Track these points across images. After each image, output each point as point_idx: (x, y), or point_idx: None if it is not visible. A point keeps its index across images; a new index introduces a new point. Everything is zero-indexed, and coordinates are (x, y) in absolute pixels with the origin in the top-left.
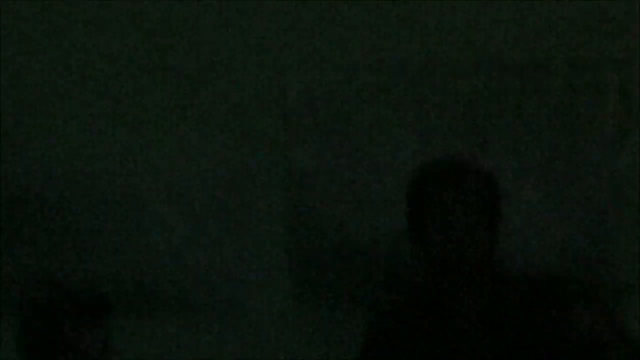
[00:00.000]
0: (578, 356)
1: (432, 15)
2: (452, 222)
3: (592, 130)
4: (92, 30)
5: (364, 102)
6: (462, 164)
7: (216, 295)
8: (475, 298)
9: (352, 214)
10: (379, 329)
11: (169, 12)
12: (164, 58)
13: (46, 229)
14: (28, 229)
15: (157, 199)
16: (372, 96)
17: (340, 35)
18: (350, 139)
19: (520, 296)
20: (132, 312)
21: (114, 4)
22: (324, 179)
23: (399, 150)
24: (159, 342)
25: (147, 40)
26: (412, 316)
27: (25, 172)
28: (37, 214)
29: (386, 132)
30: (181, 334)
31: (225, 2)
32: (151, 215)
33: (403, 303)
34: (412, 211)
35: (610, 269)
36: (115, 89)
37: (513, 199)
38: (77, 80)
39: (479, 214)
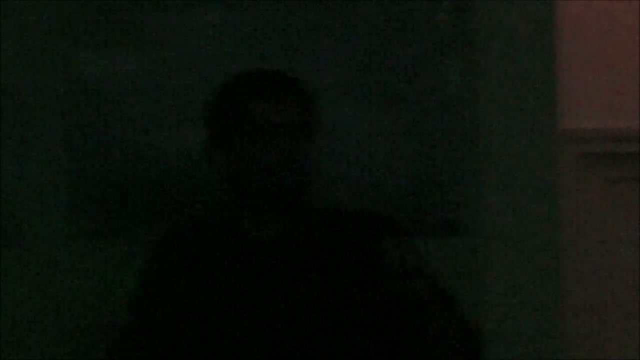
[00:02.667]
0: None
1: None
2: (266, 141)
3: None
4: None
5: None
6: (282, 78)
7: None
8: (280, 224)
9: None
10: (161, 246)
11: None
12: None
13: None
14: None
15: None
16: None
17: None
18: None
19: (328, 227)
20: None
21: None
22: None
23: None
24: None
25: None
26: (202, 237)
27: None
28: None
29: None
30: None
31: None
32: None
33: (196, 223)
34: (217, 121)
35: (439, 203)
36: None
37: (333, 120)
38: None
39: (288, 131)
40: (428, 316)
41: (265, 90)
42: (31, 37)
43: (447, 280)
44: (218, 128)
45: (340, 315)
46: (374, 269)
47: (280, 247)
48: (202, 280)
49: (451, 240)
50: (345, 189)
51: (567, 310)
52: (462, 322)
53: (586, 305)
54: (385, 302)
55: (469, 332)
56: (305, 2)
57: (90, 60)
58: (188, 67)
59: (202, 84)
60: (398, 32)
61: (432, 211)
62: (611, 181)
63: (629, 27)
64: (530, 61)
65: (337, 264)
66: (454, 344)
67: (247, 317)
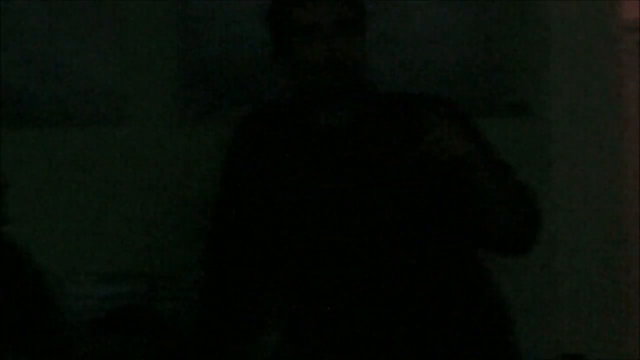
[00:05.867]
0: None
1: None
2: (318, 39)
3: None
4: None
5: None
6: None
7: (99, 110)
8: (341, 110)
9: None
10: (240, 133)
11: None
12: None
13: None
14: None
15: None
16: None
17: None
18: None
19: (389, 110)
20: (7, 123)
21: None
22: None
23: None
24: (38, 155)
25: None
26: (275, 122)
27: None
28: None
29: None
30: (60, 150)
31: None
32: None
33: (267, 109)
34: (277, 29)
35: (509, 84)
36: None
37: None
38: None
39: (344, 29)
40: (477, 179)
41: None
42: None
43: (512, 158)
44: (274, 34)
45: (399, 186)
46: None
47: (347, 132)
48: (279, 164)
49: (518, 120)
50: (420, 73)
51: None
52: (518, 189)
53: None
54: (436, 171)
55: (526, 199)
56: None
57: None
58: None
59: None
60: None
61: (501, 93)
62: None
63: None
64: None
65: (396, 143)
66: (508, 207)
67: (321, 195)
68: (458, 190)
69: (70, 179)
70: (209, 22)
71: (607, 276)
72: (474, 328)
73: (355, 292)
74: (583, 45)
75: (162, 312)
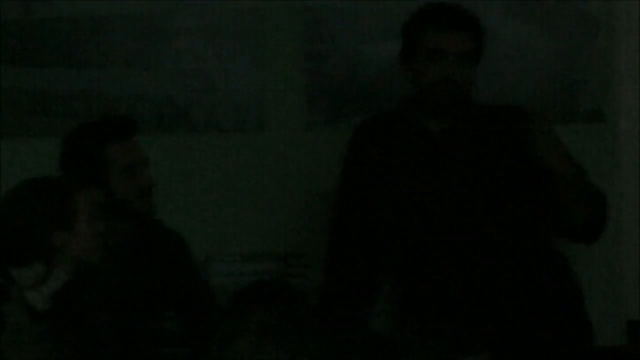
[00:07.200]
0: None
1: None
2: (440, 64)
3: None
4: None
5: None
6: (457, 11)
7: (241, 117)
8: (445, 118)
9: (361, 43)
10: (358, 135)
11: None
12: None
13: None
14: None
15: (188, 30)
16: None
17: None
18: None
19: (485, 119)
20: (166, 129)
21: None
22: (336, 14)
23: None
24: (188, 158)
25: None
26: (388, 126)
27: None
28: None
29: None
30: (209, 152)
31: None
32: (183, 43)
33: (380, 116)
34: (407, 46)
35: (583, 95)
36: None
37: (500, 31)
38: None
39: (465, 58)
40: (563, 182)
41: (444, 21)
42: None
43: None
44: (405, 44)
45: (492, 181)
46: (516, 149)
47: (450, 136)
48: (391, 162)
49: (591, 126)
50: (510, 86)
51: None
52: (591, 188)
53: None
54: (524, 171)
55: (598, 196)
56: None
57: None
58: None
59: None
60: None
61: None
62: None
63: None
64: None
65: (491, 145)
66: (584, 203)
67: (427, 188)
68: (542, 186)
69: (218, 175)
70: (333, 44)
71: None
72: (552, 299)
73: (455, 270)
74: None
75: (292, 286)
